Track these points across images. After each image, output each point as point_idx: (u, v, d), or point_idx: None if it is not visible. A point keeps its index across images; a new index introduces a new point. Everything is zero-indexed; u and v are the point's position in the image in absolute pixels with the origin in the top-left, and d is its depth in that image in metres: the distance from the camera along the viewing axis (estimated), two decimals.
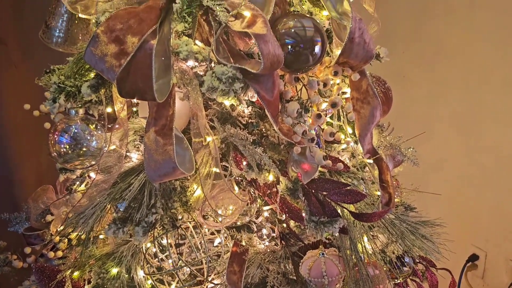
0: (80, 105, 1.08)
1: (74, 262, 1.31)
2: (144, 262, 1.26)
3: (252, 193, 1.24)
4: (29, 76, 1.89)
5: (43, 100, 1.23)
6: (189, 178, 1.16)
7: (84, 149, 1.11)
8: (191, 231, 1.26)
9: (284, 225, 1.29)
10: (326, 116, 1.19)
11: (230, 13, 0.96)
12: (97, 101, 1.09)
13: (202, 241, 1.27)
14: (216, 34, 0.97)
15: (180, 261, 1.29)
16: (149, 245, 1.27)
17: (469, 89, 2.41)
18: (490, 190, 2.43)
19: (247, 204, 1.23)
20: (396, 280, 1.39)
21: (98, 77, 1.03)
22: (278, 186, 1.17)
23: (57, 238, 1.30)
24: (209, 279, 1.26)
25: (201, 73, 1.06)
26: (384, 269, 1.31)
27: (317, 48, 1.01)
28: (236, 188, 1.19)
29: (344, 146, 1.26)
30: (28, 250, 1.44)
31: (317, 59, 1.02)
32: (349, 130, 1.24)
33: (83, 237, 1.17)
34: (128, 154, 1.23)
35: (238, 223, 1.29)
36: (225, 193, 1.17)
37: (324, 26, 1.15)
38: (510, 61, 2.29)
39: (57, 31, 1.23)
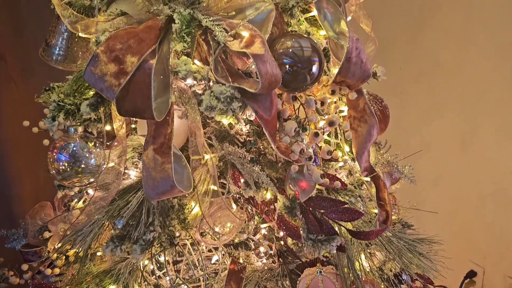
0: (79, 123, 1.09)
1: (71, 279, 1.30)
2: (141, 279, 1.26)
3: (249, 211, 1.25)
4: (28, 93, 1.90)
5: (42, 116, 1.23)
6: (187, 195, 1.16)
7: (82, 166, 1.11)
8: (188, 248, 1.26)
9: (282, 242, 1.29)
10: (323, 134, 1.19)
11: (229, 33, 0.97)
12: (96, 119, 1.10)
13: (200, 259, 1.27)
14: (215, 53, 0.98)
15: (178, 279, 1.29)
16: (146, 262, 1.27)
17: (466, 105, 2.43)
18: (487, 206, 2.44)
19: (245, 222, 1.24)
20: None
21: (98, 95, 1.04)
22: (275, 203, 1.17)
23: (55, 255, 1.30)
24: None
25: (200, 92, 1.07)
26: (382, 286, 1.31)
27: (314, 68, 1.02)
28: (234, 205, 1.19)
29: (341, 164, 1.26)
30: (25, 266, 1.44)
31: (314, 79, 1.03)
32: (347, 148, 1.25)
33: (80, 254, 1.17)
34: (126, 171, 1.23)
35: (236, 240, 1.29)
36: (223, 210, 1.17)
37: (322, 45, 1.16)
38: (507, 77, 2.31)
39: (57, 49, 1.24)
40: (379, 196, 1.22)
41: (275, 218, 1.17)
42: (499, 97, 2.34)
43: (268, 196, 1.15)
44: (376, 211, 1.25)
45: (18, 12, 1.92)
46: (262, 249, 1.32)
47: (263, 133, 1.16)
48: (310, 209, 1.15)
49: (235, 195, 1.20)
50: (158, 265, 1.30)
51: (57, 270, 1.39)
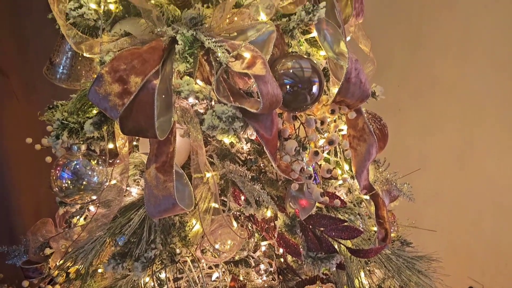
0: (82, 142, 1.10)
1: None
2: None
3: (250, 228, 1.26)
4: (30, 109, 1.92)
5: (44, 132, 1.25)
6: (188, 213, 1.17)
7: (85, 184, 1.12)
8: (189, 265, 1.26)
9: (282, 260, 1.30)
10: (323, 152, 1.21)
11: (231, 54, 0.99)
12: (99, 138, 1.11)
13: (200, 276, 1.27)
14: (217, 74, 1.00)
15: None
16: (147, 279, 1.28)
17: (463, 122, 2.45)
18: (486, 222, 2.45)
19: (245, 240, 1.24)
20: None
21: (101, 114, 1.05)
22: (276, 221, 1.18)
23: (56, 272, 1.30)
24: None
25: (202, 111, 1.09)
26: None
27: (314, 88, 1.04)
28: (234, 223, 1.20)
29: (340, 182, 1.28)
30: (26, 283, 1.44)
31: (314, 99, 1.05)
32: (346, 167, 1.26)
33: (82, 271, 1.18)
34: (128, 188, 1.24)
35: (236, 258, 1.30)
36: (224, 228, 1.18)
37: (321, 65, 1.18)
38: (504, 95, 2.34)
39: (61, 68, 1.26)
40: (378, 214, 1.23)
41: (275, 235, 1.18)
42: (497, 114, 2.37)
43: (269, 213, 1.16)
44: (375, 228, 1.26)
45: (21, 29, 1.95)
46: (262, 266, 1.32)
47: (263, 152, 1.17)
48: (310, 226, 1.16)
49: (235, 212, 1.21)
50: (159, 282, 1.31)
51: (57, 287, 1.39)
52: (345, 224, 1.16)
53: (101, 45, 1.05)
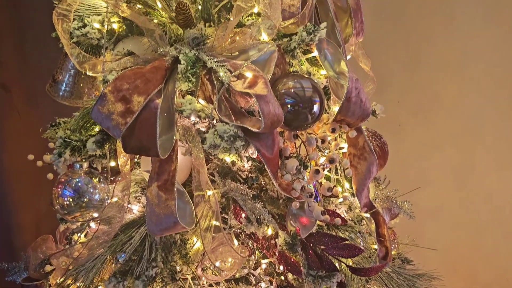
0: (84, 159, 1.11)
1: None
2: None
3: (251, 245, 1.26)
4: (32, 123, 1.93)
5: (45, 147, 1.25)
6: (189, 230, 1.17)
7: (86, 201, 1.13)
8: (189, 283, 1.26)
9: (282, 277, 1.30)
10: (324, 170, 1.22)
11: (233, 74, 1.00)
12: (101, 155, 1.12)
13: None
14: (219, 93, 1.01)
15: None
16: None
17: (463, 139, 2.46)
18: (486, 238, 2.44)
19: (246, 258, 1.24)
20: None
21: (103, 132, 1.06)
22: (276, 239, 1.18)
23: None
24: None
25: (203, 129, 1.10)
26: None
27: (315, 107, 1.05)
28: (235, 241, 1.20)
29: (341, 200, 1.28)
30: None
31: (315, 118, 1.06)
32: (347, 185, 1.27)
33: None
34: (129, 205, 1.24)
35: (237, 275, 1.30)
36: (225, 246, 1.18)
37: (322, 84, 1.19)
38: (504, 112, 2.35)
39: (64, 86, 1.27)
40: (379, 232, 1.24)
41: (276, 253, 1.18)
42: (496, 131, 2.38)
43: (270, 231, 1.16)
44: (375, 246, 1.26)
45: (23, 44, 1.96)
46: (263, 284, 1.32)
47: (264, 170, 1.18)
48: (311, 245, 1.16)
49: (236, 230, 1.22)
50: None
51: None
52: (346, 242, 1.16)
53: (104, 64, 1.06)
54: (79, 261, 1.18)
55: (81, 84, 1.28)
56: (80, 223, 1.31)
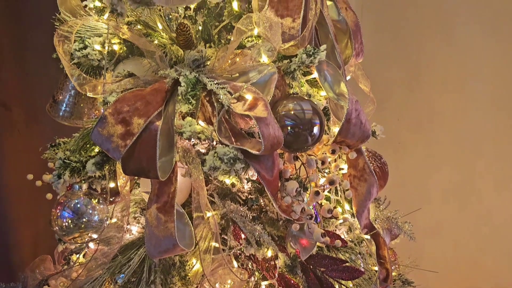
0: (84, 181, 1.11)
1: None
2: None
3: (250, 267, 1.25)
4: (31, 141, 1.93)
5: (44, 165, 1.25)
6: (188, 252, 1.17)
7: (85, 222, 1.12)
8: None
9: None
10: (324, 191, 1.21)
11: (233, 96, 1.00)
12: (101, 176, 1.11)
13: None
14: (219, 115, 1.01)
15: None
16: None
17: (463, 157, 2.46)
18: (487, 258, 2.43)
19: (246, 281, 1.23)
20: None
21: (103, 154, 1.06)
22: (276, 260, 1.17)
23: None
24: None
25: (203, 150, 1.10)
26: None
27: (315, 129, 1.05)
28: (235, 262, 1.20)
29: (341, 221, 1.27)
30: None
31: (315, 140, 1.06)
32: (347, 206, 1.26)
33: None
34: (128, 226, 1.24)
35: None
36: (224, 268, 1.17)
37: (322, 105, 1.19)
38: (502, 131, 2.35)
39: (64, 106, 1.27)
40: (379, 254, 1.23)
41: (276, 275, 1.17)
42: (496, 149, 2.38)
43: (269, 253, 1.15)
44: (376, 268, 1.25)
45: (23, 62, 1.97)
46: None
47: (264, 191, 1.18)
48: (311, 267, 1.16)
49: (236, 251, 1.21)
50: None
51: None
52: (346, 264, 1.16)
53: (105, 85, 1.06)
54: (77, 283, 1.17)
55: (81, 105, 1.28)
56: (79, 244, 1.30)
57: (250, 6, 1.20)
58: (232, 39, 1.06)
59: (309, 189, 1.09)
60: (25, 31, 1.93)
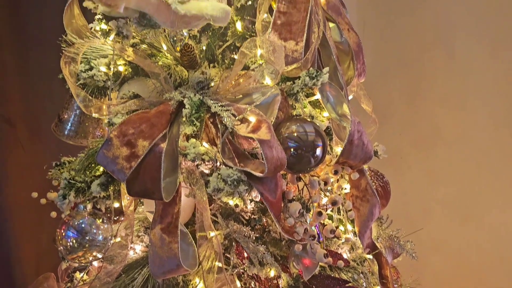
0: (88, 201, 1.12)
1: None
2: None
3: (253, 286, 1.25)
4: (35, 157, 1.94)
5: (48, 182, 1.26)
6: (191, 272, 1.17)
7: (89, 241, 1.13)
8: None
9: None
10: (326, 210, 1.22)
11: (237, 118, 1.01)
12: (105, 196, 1.12)
13: None
14: (223, 137, 1.02)
15: None
16: None
17: (465, 172, 2.46)
18: (490, 273, 2.42)
19: None
20: None
21: (108, 175, 1.07)
22: (279, 280, 1.18)
23: None
24: None
25: (207, 171, 1.10)
26: None
27: (318, 151, 1.06)
28: (237, 282, 1.20)
29: (343, 240, 1.28)
30: None
31: (318, 161, 1.07)
32: (349, 227, 1.27)
33: None
34: (131, 245, 1.24)
35: None
36: (227, 287, 1.17)
37: (325, 125, 1.20)
38: (504, 147, 2.36)
39: (69, 125, 1.28)
40: (382, 273, 1.23)
41: None
42: (499, 165, 2.38)
43: (272, 273, 1.16)
44: (378, 287, 1.26)
45: (28, 79, 1.98)
46: None
47: (267, 211, 1.18)
48: (313, 287, 1.16)
49: (239, 270, 1.21)
50: None
51: None
52: (349, 284, 1.16)
53: (110, 107, 1.07)
54: None
55: (86, 124, 1.29)
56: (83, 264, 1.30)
57: (253, 26, 1.22)
58: (236, 61, 1.08)
59: (311, 210, 1.10)
60: (30, 49, 1.95)
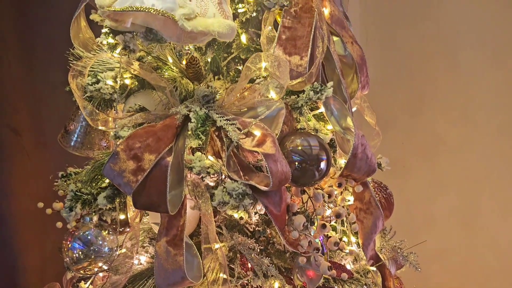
0: (94, 213, 1.13)
1: None
2: None
3: None
4: (40, 166, 1.95)
5: (53, 191, 1.27)
6: (196, 284, 1.18)
7: (96, 252, 1.14)
8: None
9: None
10: (330, 222, 1.23)
11: (242, 131, 1.02)
12: (111, 208, 1.13)
13: None
14: (228, 150, 1.03)
15: None
16: None
17: (468, 182, 2.46)
18: (493, 283, 2.42)
19: None
20: None
21: (114, 187, 1.08)
22: None
23: None
24: None
25: (212, 183, 1.11)
26: None
27: (322, 165, 1.07)
28: None
29: (347, 251, 1.29)
30: None
31: (323, 174, 1.08)
32: (353, 239, 1.28)
33: None
34: (136, 256, 1.25)
35: None
36: None
37: (329, 138, 1.21)
38: (507, 157, 2.37)
39: (75, 136, 1.30)
40: (385, 285, 1.24)
41: None
42: (501, 175, 2.39)
43: (276, 285, 1.17)
44: None
45: (35, 90, 2.00)
46: None
47: (271, 223, 1.19)
48: None
49: (243, 282, 1.22)
50: None
51: None
52: None
53: (116, 120, 1.08)
54: None
55: (92, 135, 1.30)
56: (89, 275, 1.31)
57: (258, 39, 1.23)
58: (241, 76, 1.09)
59: (316, 223, 1.10)
60: (36, 59, 1.97)
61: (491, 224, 2.42)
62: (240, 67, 1.26)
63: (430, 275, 2.36)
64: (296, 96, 1.13)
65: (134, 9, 0.93)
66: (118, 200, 1.09)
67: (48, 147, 1.97)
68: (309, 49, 1.09)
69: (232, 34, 0.98)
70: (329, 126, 1.21)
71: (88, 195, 1.10)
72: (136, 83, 1.17)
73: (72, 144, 1.31)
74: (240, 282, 1.20)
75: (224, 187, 1.00)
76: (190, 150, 1.08)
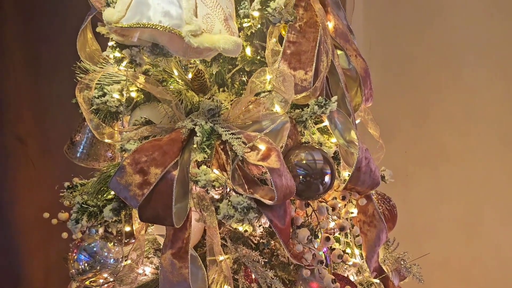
0: (100, 225, 1.14)
1: None
2: None
3: None
4: (45, 174, 1.97)
5: (57, 200, 1.28)
6: None
7: (101, 264, 1.15)
8: None
9: None
10: (334, 234, 1.24)
11: (247, 145, 1.03)
12: (117, 220, 1.14)
13: None
14: (233, 164, 1.04)
15: None
16: None
17: (471, 191, 2.47)
18: None
19: None
20: None
21: (120, 200, 1.09)
22: None
23: None
24: None
25: (217, 196, 1.12)
26: None
27: (327, 178, 1.08)
28: None
29: (351, 263, 1.29)
30: None
31: (327, 188, 1.09)
32: (357, 251, 1.28)
33: None
34: (141, 267, 1.26)
35: None
36: None
37: (332, 151, 1.22)
38: (509, 166, 2.37)
39: (81, 148, 1.31)
40: None
41: None
42: (504, 184, 2.39)
43: None
44: None
45: (40, 99, 2.02)
46: None
47: (275, 235, 1.20)
48: None
49: None
50: None
51: None
52: None
53: (122, 133, 1.09)
54: None
55: (98, 146, 1.32)
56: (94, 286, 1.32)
57: (263, 51, 1.24)
58: (246, 90, 1.10)
59: (320, 236, 1.11)
60: (42, 68, 1.99)
61: (494, 233, 2.42)
62: (244, 79, 1.27)
63: (433, 284, 2.35)
64: (300, 110, 1.14)
65: (141, 25, 0.94)
66: (123, 212, 1.10)
67: (53, 155, 1.98)
68: (314, 64, 1.10)
69: (237, 50, 0.99)
70: (333, 140, 1.22)
71: (94, 207, 1.11)
72: (142, 96, 1.18)
73: (78, 155, 1.32)
74: None
75: (229, 201, 1.01)
76: (195, 163, 1.09)
